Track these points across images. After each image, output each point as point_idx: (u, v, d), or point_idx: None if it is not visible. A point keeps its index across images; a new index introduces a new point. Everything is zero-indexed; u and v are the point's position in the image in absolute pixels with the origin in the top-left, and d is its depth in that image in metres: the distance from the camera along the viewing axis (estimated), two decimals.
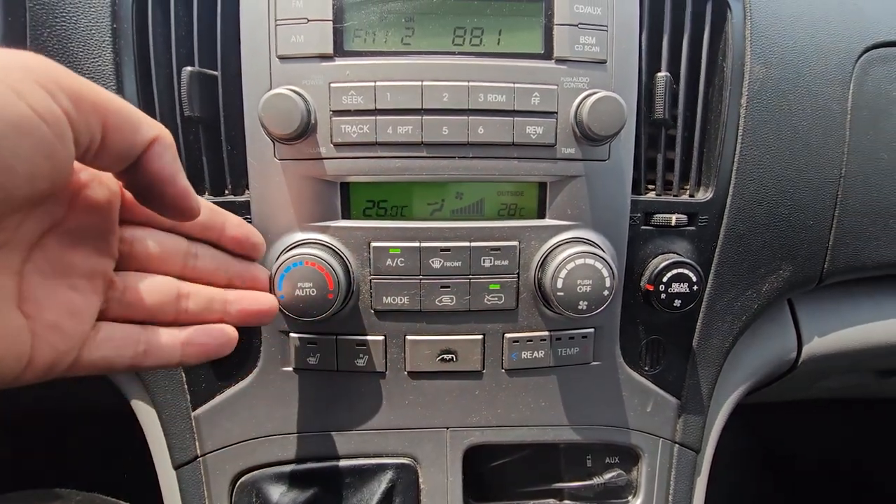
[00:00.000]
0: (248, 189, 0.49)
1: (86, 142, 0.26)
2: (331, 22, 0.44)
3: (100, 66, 0.48)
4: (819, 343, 0.66)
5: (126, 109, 0.28)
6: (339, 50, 0.44)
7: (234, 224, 0.41)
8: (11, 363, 0.27)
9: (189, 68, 0.47)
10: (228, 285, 0.40)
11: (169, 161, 0.30)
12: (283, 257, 0.45)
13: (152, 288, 0.35)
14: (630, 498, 0.57)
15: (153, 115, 0.48)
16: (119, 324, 0.33)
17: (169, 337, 0.35)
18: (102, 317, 0.32)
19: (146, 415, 0.58)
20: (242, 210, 0.49)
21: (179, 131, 0.49)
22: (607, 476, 0.57)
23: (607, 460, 0.57)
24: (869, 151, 0.58)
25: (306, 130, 0.44)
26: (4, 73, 0.23)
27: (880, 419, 1.19)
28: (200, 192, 0.50)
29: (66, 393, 0.78)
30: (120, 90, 0.48)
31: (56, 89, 0.25)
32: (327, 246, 0.47)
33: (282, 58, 0.45)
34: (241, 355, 0.53)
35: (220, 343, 0.37)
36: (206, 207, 0.39)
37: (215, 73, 0.48)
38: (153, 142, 0.29)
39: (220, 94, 0.48)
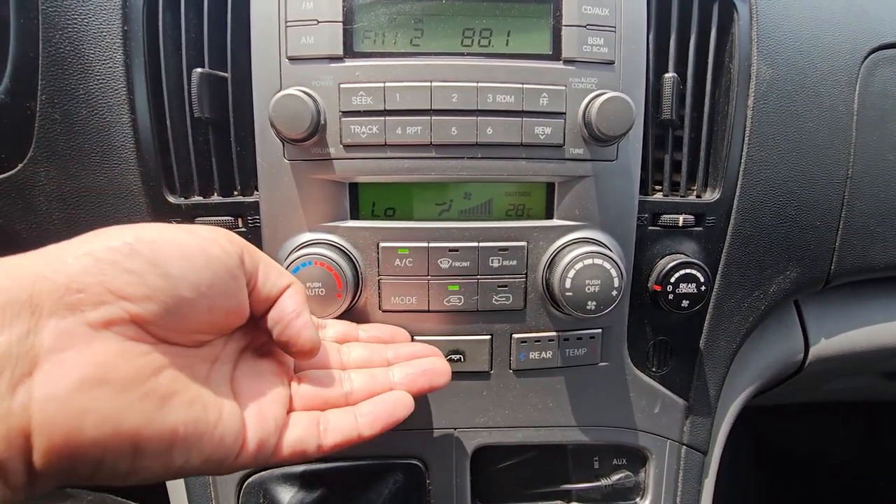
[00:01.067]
0: (257, 190, 0.49)
1: (248, 276, 0.35)
2: (341, 23, 0.44)
3: (110, 68, 0.48)
4: (826, 344, 0.66)
5: (271, 261, 0.38)
6: (349, 51, 0.45)
7: (365, 330, 0.48)
8: (230, 439, 0.33)
9: (199, 70, 0.47)
10: (389, 366, 0.45)
11: (299, 300, 0.37)
12: (291, 257, 0.45)
13: (320, 377, 0.41)
14: (638, 499, 0.57)
15: (163, 117, 0.49)
16: (303, 412, 0.39)
17: (345, 414, 0.40)
18: (290, 409, 0.39)
19: None
20: (252, 211, 0.49)
21: (189, 132, 0.49)
22: (615, 477, 0.57)
23: (615, 461, 0.57)
24: (875, 152, 0.58)
25: (316, 131, 0.44)
26: (203, 231, 0.34)
27: (883, 421, 1.19)
28: (210, 194, 0.50)
29: None
30: (130, 92, 0.48)
31: (233, 241, 0.35)
32: (336, 246, 0.47)
33: (292, 59, 0.45)
34: None
35: (393, 405, 0.41)
36: (340, 324, 0.48)
37: (225, 74, 0.48)
38: (287, 286, 0.37)
39: (230, 96, 0.48)
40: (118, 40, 0.48)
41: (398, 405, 0.41)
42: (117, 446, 0.28)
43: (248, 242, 0.36)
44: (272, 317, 0.37)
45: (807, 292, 0.62)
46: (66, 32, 0.48)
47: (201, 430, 0.31)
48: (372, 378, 0.42)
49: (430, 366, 0.44)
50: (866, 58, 0.58)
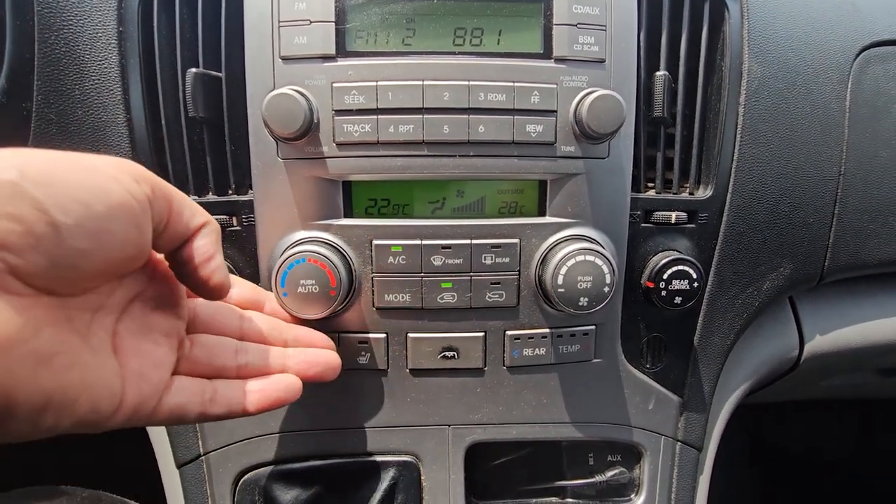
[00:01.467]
0: (251, 188, 0.50)
1: (157, 221, 0.32)
2: (333, 23, 0.45)
3: (106, 68, 0.49)
4: (821, 341, 0.66)
5: (185, 199, 0.35)
6: (342, 50, 0.45)
7: (272, 301, 0.46)
8: (106, 403, 0.31)
9: (193, 70, 0.47)
10: (286, 346, 0.45)
11: (211, 242, 0.35)
12: (285, 254, 0.45)
13: (213, 344, 0.40)
14: (633, 496, 0.57)
15: (158, 117, 0.49)
16: (190, 377, 0.38)
17: (233, 387, 0.39)
18: (176, 372, 0.37)
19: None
20: (246, 209, 0.50)
21: (184, 132, 0.49)
22: (609, 474, 0.57)
23: (609, 458, 0.57)
24: (868, 149, 0.58)
25: (309, 130, 0.44)
26: (104, 166, 0.30)
27: (878, 419, 1.19)
28: (204, 192, 0.51)
29: None
30: (126, 92, 0.49)
31: (140, 179, 0.31)
32: (330, 244, 0.47)
33: (285, 58, 0.45)
34: None
35: (283, 389, 0.41)
36: (248, 286, 0.46)
37: (219, 74, 0.48)
38: (201, 226, 0.35)
39: (224, 95, 0.48)
40: (113, 41, 0.48)
41: (289, 390, 0.41)
42: None
43: (157, 177, 0.33)
44: (182, 256, 0.34)
45: (801, 289, 0.62)
46: (61, 33, 0.48)
47: (76, 395, 0.29)
48: (268, 356, 0.42)
49: (326, 358, 0.44)
50: (858, 55, 0.58)
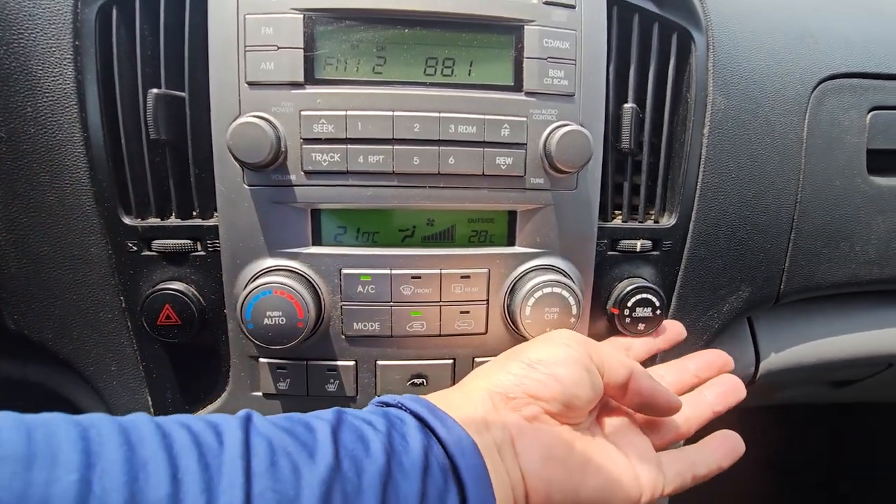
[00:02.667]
0: (216, 213, 0.49)
1: (600, 371, 0.43)
2: (301, 49, 0.44)
3: (61, 84, 0.46)
4: (775, 359, 0.69)
5: (612, 353, 0.44)
6: (310, 78, 0.44)
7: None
8: (634, 492, 0.41)
9: (155, 91, 0.46)
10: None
11: (647, 385, 0.44)
12: (251, 285, 0.45)
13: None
14: None
15: (117, 136, 0.47)
16: (663, 451, 0.46)
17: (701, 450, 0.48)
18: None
19: None
20: (211, 234, 0.48)
21: (145, 153, 0.48)
22: None
23: None
24: (822, 178, 0.61)
25: (276, 159, 0.44)
26: (558, 336, 0.45)
27: (844, 420, 1.25)
28: (167, 216, 0.49)
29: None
30: (83, 110, 0.47)
31: (579, 342, 0.44)
32: (297, 272, 0.47)
33: (251, 84, 0.44)
34: (210, 379, 0.52)
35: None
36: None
37: (182, 94, 0.47)
38: (630, 375, 0.44)
39: (188, 117, 0.47)
40: (69, 55, 0.46)
41: (734, 443, 0.48)
42: None
43: (584, 338, 0.45)
44: (634, 401, 0.45)
45: (758, 310, 0.65)
46: (11, 47, 0.46)
47: (614, 487, 0.40)
48: (697, 406, 0.49)
49: (733, 383, 0.52)
50: (816, 87, 0.60)
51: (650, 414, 0.46)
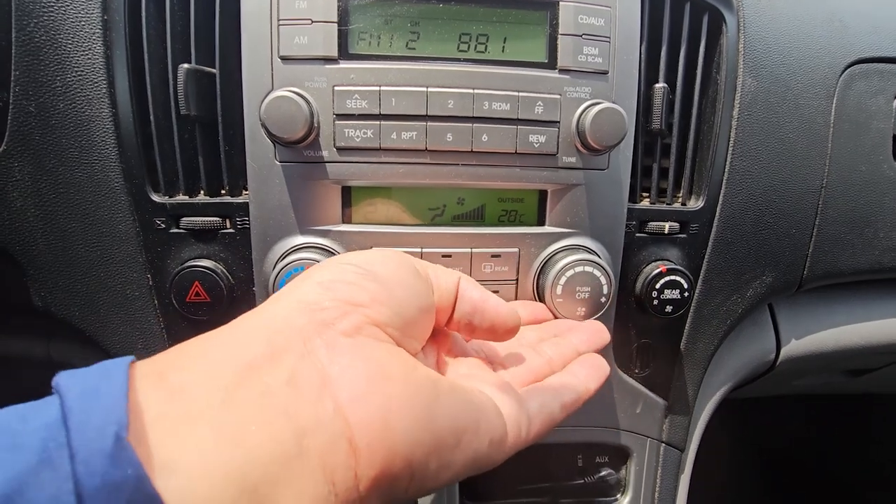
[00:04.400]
0: (245, 190, 0.48)
1: (434, 293, 0.36)
2: (335, 24, 0.43)
3: (89, 59, 0.46)
4: (796, 345, 0.69)
5: (437, 266, 0.38)
6: (344, 53, 0.44)
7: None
8: (499, 423, 0.33)
9: (186, 65, 0.45)
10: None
11: (477, 290, 0.37)
12: (283, 262, 0.44)
13: (516, 356, 0.42)
14: (618, 496, 0.59)
15: (146, 113, 0.47)
16: (527, 386, 0.39)
17: (561, 375, 0.40)
18: None
19: None
20: (240, 212, 0.48)
21: (174, 129, 0.47)
22: (598, 475, 0.58)
23: (597, 459, 0.59)
24: (849, 163, 0.60)
25: (309, 134, 0.43)
26: (401, 256, 0.36)
27: (844, 414, 1.26)
28: (196, 193, 0.49)
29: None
30: (111, 85, 0.46)
31: (413, 263, 0.36)
32: (328, 250, 0.46)
33: (284, 59, 0.44)
34: None
35: (596, 364, 0.42)
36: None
37: (213, 70, 0.47)
38: (458, 280, 0.37)
39: (219, 93, 0.47)
40: (98, 30, 0.46)
41: (598, 362, 0.42)
42: (421, 439, 0.28)
43: (412, 256, 0.37)
44: (463, 310, 0.37)
45: (780, 296, 0.65)
46: (41, 20, 0.45)
47: (476, 415, 0.31)
48: (560, 346, 0.43)
49: (595, 327, 0.46)
50: (843, 71, 0.60)
51: (484, 329, 0.37)
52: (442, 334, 0.40)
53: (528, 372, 0.40)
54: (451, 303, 0.36)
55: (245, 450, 0.23)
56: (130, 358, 0.26)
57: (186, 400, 0.24)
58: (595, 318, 0.49)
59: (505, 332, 0.38)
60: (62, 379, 0.24)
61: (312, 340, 0.28)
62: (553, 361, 0.42)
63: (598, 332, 0.46)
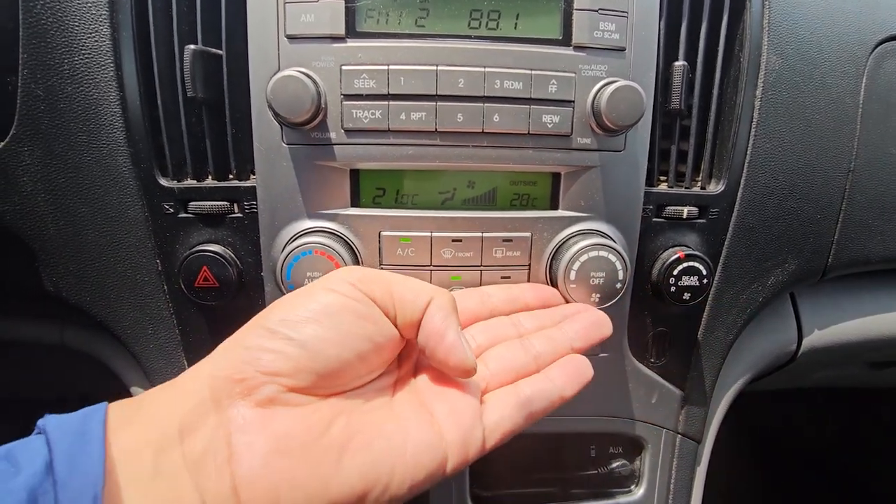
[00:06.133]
0: (253, 174, 0.48)
1: (391, 312, 0.35)
2: (342, 1, 0.42)
3: (96, 41, 0.46)
4: (819, 336, 0.67)
5: (406, 282, 0.36)
6: (351, 31, 0.43)
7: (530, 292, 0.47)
8: (428, 457, 0.33)
9: (192, 47, 0.45)
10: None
11: (440, 319, 0.35)
12: (291, 245, 0.44)
13: (503, 351, 0.41)
14: (633, 487, 0.58)
15: (153, 95, 0.47)
16: (496, 389, 0.39)
17: (540, 379, 0.40)
18: (484, 391, 0.38)
19: None
20: (248, 195, 0.48)
21: (181, 112, 0.47)
22: (611, 465, 0.57)
23: (611, 450, 0.58)
24: (878, 145, 0.58)
25: (316, 115, 0.42)
26: (319, 283, 0.35)
27: (864, 408, 1.22)
28: (203, 177, 0.49)
29: (62, 381, 0.77)
30: (118, 68, 0.46)
31: (356, 281, 0.35)
32: (336, 234, 0.46)
33: (290, 37, 0.43)
34: None
35: (580, 366, 0.41)
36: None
37: (220, 52, 0.46)
38: (428, 304, 0.35)
39: (225, 75, 0.46)
40: (105, 12, 0.45)
41: (579, 365, 0.41)
42: None
43: (371, 272, 0.36)
44: (420, 341, 0.36)
45: (803, 284, 0.63)
46: (47, 2, 0.45)
47: (391, 463, 0.32)
48: (553, 341, 0.42)
49: (596, 318, 0.44)
50: (875, 49, 0.57)
51: (437, 365, 0.36)
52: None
53: (509, 371, 0.39)
54: (416, 326, 0.36)
55: None
56: (104, 411, 0.30)
57: (135, 463, 0.29)
58: (610, 305, 0.47)
59: (454, 373, 0.36)
60: (50, 432, 0.29)
61: (227, 411, 0.31)
62: (541, 357, 0.41)
63: (597, 325, 0.44)
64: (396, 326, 0.35)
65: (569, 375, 0.40)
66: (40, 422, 0.30)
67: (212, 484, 0.29)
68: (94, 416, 0.30)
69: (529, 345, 0.41)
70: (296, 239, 0.45)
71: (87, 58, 0.46)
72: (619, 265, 0.45)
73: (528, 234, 0.47)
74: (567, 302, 0.47)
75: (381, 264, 0.47)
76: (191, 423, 0.30)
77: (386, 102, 0.43)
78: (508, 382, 0.39)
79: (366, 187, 0.47)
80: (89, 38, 0.46)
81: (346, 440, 0.32)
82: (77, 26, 0.45)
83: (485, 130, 0.44)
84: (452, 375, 0.37)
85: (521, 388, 0.38)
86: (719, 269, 0.55)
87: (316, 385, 0.32)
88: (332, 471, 0.31)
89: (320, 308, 0.33)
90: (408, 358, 0.39)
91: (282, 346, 0.32)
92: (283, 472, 0.30)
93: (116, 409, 0.31)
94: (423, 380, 0.38)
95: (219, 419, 0.31)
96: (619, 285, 0.46)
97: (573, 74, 0.44)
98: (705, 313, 0.56)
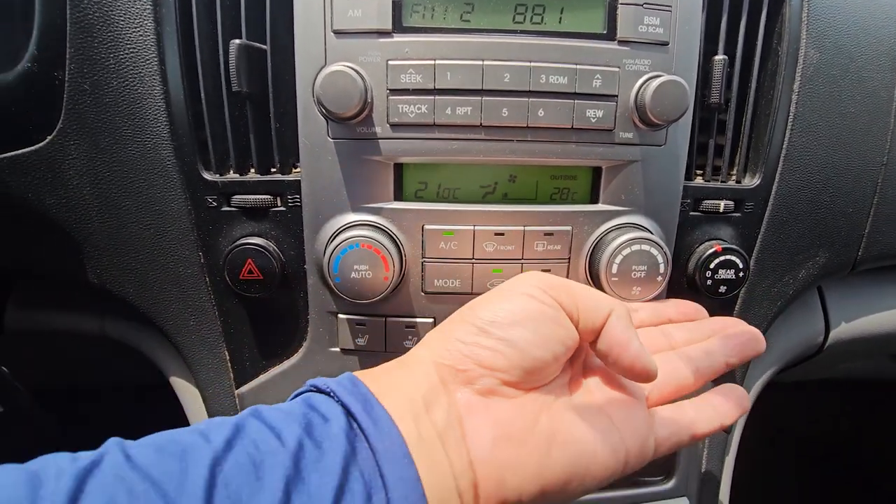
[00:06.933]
0: (296, 168, 0.48)
1: (574, 317, 0.37)
2: None
3: (141, 35, 0.46)
4: (846, 328, 0.67)
5: (590, 292, 0.39)
6: (398, 25, 0.43)
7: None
8: (612, 462, 0.36)
9: (237, 41, 0.45)
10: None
11: (621, 329, 0.37)
12: (337, 239, 0.44)
13: (661, 363, 0.41)
14: (663, 477, 0.59)
15: (197, 90, 0.47)
16: (663, 406, 0.41)
17: (702, 403, 0.42)
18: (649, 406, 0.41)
19: (186, 392, 0.59)
20: (291, 189, 0.48)
21: (225, 106, 0.47)
22: None
23: None
24: None
25: (364, 109, 0.43)
26: (518, 288, 0.38)
27: (883, 401, 1.23)
28: (246, 171, 0.49)
29: (103, 368, 0.78)
30: (162, 63, 0.46)
31: (547, 287, 0.38)
32: (380, 227, 0.46)
33: (337, 32, 0.43)
34: (287, 335, 0.53)
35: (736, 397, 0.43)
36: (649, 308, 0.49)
37: (264, 46, 0.46)
38: (608, 315, 0.37)
39: (270, 69, 0.46)
40: (149, 6, 0.46)
41: (740, 395, 0.43)
42: (529, 490, 0.34)
43: (554, 279, 0.39)
44: (601, 349, 0.38)
45: (832, 278, 0.63)
46: None
47: (586, 463, 0.35)
48: (710, 356, 0.43)
49: (751, 334, 0.45)
50: None
51: (619, 372, 0.39)
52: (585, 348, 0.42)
53: (670, 382, 0.41)
54: (595, 333, 0.38)
55: (439, 477, 0.32)
56: (361, 381, 0.35)
57: (403, 427, 0.32)
58: (647, 299, 0.48)
59: (637, 379, 0.38)
60: (340, 394, 0.33)
61: (454, 395, 0.35)
62: (699, 372, 0.42)
63: (753, 341, 0.45)
64: (577, 331, 0.38)
65: (730, 405, 0.42)
66: (312, 382, 0.35)
67: (455, 456, 0.33)
68: (357, 384, 0.34)
69: (687, 357, 0.43)
70: (341, 232, 0.45)
71: (131, 52, 0.46)
72: (660, 258, 0.46)
73: (568, 228, 0.48)
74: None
75: (423, 257, 0.48)
76: (431, 400, 0.34)
77: (432, 97, 0.43)
78: (669, 392, 0.41)
79: (409, 181, 0.47)
80: (134, 32, 0.46)
81: (552, 433, 0.35)
82: (122, 21, 0.46)
83: (529, 125, 0.44)
84: (634, 380, 0.39)
85: (686, 410, 0.41)
86: (752, 262, 0.55)
87: (522, 380, 0.36)
88: (545, 459, 0.34)
89: (522, 312, 0.36)
90: (577, 359, 0.41)
91: (496, 345, 0.35)
92: (508, 456, 0.34)
93: (367, 380, 0.35)
94: (594, 382, 0.41)
95: (449, 400, 0.34)
96: (659, 278, 0.46)
97: (617, 69, 0.44)
98: (737, 306, 0.57)
